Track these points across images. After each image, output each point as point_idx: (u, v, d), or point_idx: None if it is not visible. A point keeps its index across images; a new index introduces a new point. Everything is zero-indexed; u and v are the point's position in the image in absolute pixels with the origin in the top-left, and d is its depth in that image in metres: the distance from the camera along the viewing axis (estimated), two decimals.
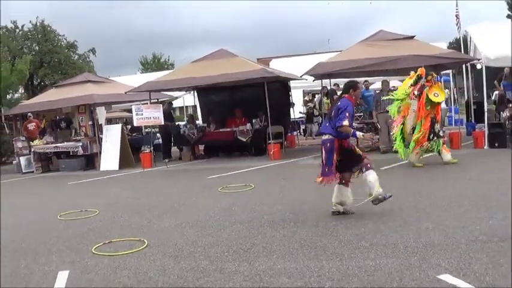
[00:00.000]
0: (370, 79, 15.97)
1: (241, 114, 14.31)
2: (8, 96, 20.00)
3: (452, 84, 19.72)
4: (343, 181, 5.94)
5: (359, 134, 6.17)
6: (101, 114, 15.02)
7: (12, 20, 30.23)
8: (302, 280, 3.94)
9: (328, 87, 15.02)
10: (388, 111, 9.48)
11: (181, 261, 4.70)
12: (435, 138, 9.15)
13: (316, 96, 18.20)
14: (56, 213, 7.50)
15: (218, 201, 7.56)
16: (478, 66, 12.57)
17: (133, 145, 14.91)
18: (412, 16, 76.27)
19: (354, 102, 6.01)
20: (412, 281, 3.71)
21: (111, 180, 11.70)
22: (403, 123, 9.00)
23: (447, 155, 9.25)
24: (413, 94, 8.87)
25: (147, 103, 14.33)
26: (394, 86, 13.52)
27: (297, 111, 19.15)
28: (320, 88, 15.49)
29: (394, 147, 9.23)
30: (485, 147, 11.40)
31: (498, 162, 8.91)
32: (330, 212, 5.99)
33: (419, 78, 8.96)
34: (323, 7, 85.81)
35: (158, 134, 16.95)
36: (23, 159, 15.01)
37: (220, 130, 14.30)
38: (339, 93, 19.85)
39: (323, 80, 14.06)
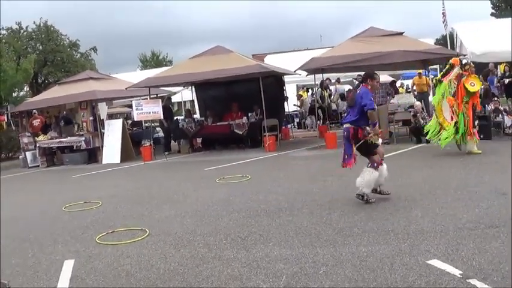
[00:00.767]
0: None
1: (237, 108, 14.44)
2: (14, 94, 20.27)
3: None
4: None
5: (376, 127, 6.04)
6: (103, 109, 15.16)
7: (16, 21, 30.45)
8: (298, 266, 4.06)
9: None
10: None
11: (182, 249, 4.84)
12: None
13: (314, 89, 18.26)
14: (61, 205, 7.66)
15: (216, 192, 7.69)
16: (464, 62, 12.75)
17: (134, 139, 15.12)
18: (401, 14, 77.07)
19: (371, 91, 6.05)
20: (403, 266, 3.84)
21: (113, 173, 11.86)
22: (436, 116, 9.02)
23: (473, 146, 9.12)
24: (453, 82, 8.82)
25: (146, 98, 14.48)
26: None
27: (291, 105, 19.27)
28: (312, 83, 15.62)
29: (438, 138, 9.11)
30: None
31: (484, 154, 8.94)
32: (324, 201, 6.19)
33: (451, 67, 8.97)
34: (316, 6, 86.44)
35: (158, 128, 17.16)
36: (28, 154, 15.25)
37: (218, 124, 14.45)
38: (331, 87, 19.89)
39: (315, 75, 14.21)
